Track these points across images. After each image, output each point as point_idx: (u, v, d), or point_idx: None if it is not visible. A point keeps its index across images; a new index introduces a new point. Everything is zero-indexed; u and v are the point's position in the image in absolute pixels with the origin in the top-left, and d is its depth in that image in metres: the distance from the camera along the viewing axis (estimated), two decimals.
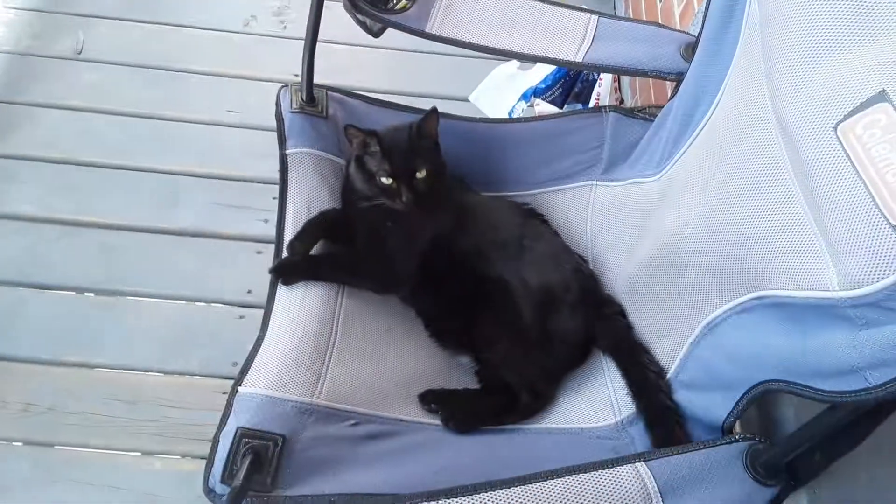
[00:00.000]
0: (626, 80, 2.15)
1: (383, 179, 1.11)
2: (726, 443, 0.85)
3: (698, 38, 1.04)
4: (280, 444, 0.89)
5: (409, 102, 1.35)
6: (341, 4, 1.14)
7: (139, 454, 1.50)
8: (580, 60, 1.16)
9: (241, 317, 1.69)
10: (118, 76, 2.10)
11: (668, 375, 1.01)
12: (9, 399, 1.52)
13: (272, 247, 1.14)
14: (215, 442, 0.90)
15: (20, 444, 1.48)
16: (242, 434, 0.88)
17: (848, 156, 0.62)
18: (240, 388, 0.94)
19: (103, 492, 1.44)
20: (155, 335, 1.65)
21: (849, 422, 0.69)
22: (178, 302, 1.71)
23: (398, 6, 1.16)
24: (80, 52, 2.14)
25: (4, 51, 2.12)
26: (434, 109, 1.14)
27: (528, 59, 1.19)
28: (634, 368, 1.05)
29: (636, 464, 0.82)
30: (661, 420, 0.99)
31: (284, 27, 2.30)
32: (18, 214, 1.79)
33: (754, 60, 0.84)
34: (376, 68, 2.23)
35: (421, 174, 1.11)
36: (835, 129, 0.64)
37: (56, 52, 2.13)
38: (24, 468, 1.45)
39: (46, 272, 1.71)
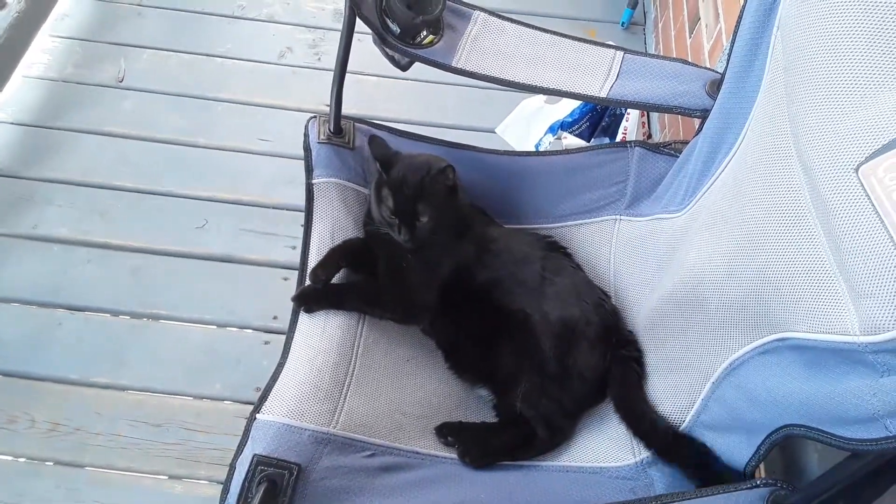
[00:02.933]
0: (654, 115, 2.15)
1: (387, 213, 1.13)
2: (747, 488, 0.83)
3: (723, 75, 1.04)
4: (295, 472, 0.89)
5: (437, 134, 1.37)
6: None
7: (162, 477, 1.51)
8: (604, 96, 1.16)
9: (266, 342, 1.71)
10: (155, 104, 2.16)
11: (690, 416, 0.99)
12: (37, 418, 1.55)
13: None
14: (231, 469, 0.91)
15: (46, 463, 1.50)
16: (258, 462, 0.89)
17: (869, 198, 0.61)
18: (258, 416, 0.95)
19: None
20: (181, 359, 1.67)
21: (872, 470, 0.67)
22: (205, 326, 1.73)
23: (425, 41, 1.18)
24: (121, 80, 2.20)
25: (49, 78, 2.19)
26: (448, 167, 1.13)
27: (553, 93, 1.19)
28: (641, 420, 1.04)
29: None
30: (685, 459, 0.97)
31: (319, 59, 2.35)
32: (53, 237, 1.84)
33: (777, 99, 0.84)
34: (405, 100, 2.25)
35: (423, 220, 1.12)
36: (856, 170, 0.64)
37: (98, 79, 2.20)
38: (48, 487, 1.47)
39: (79, 294, 1.75)
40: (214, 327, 1.73)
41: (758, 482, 0.83)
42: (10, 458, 1.51)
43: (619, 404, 1.09)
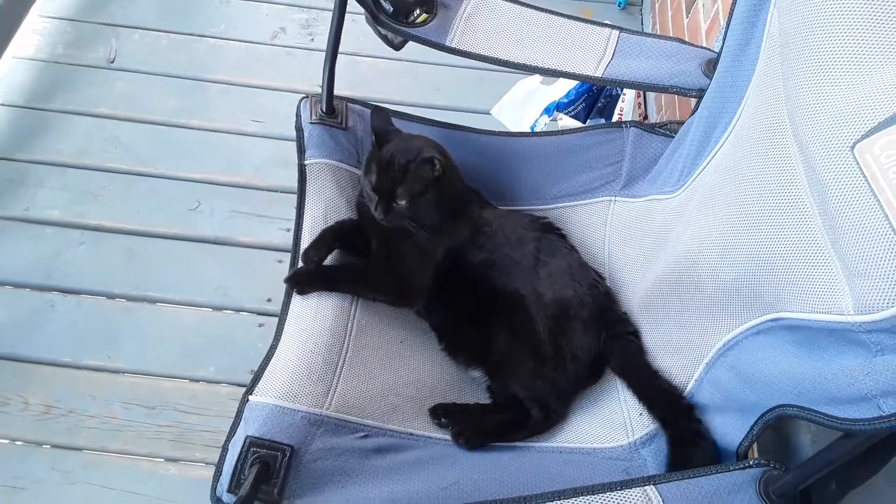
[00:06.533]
0: (651, 95, 2.13)
1: (368, 187, 1.12)
2: (740, 468, 0.83)
3: (719, 54, 1.03)
4: (288, 454, 0.89)
5: (431, 115, 1.35)
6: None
7: (156, 459, 1.51)
8: (600, 75, 1.15)
9: (260, 325, 1.70)
10: (147, 85, 2.14)
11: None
12: (31, 401, 1.55)
13: None
14: (224, 450, 0.91)
15: (39, 445, 1.50)
16: (251, 443, 0.89)
17: (864, 176, 0.61)
18: (250, 397, 0.95)
19: (120, 496, 1.45)
20: (175, 341, 1.66)
21: (864, 451, 0.67)
22: (198, 309, 1.72)
23: (419, 20, 1.17)
24: (112, 61, 2.18)
25: (39, 59, 2.16)
26: (435, 157, 1.11)
27: (548, 73, 1.18)
28: (648, 386, 1.03)
29: (646, 487, 0.80)
30: (684, 434, 0.96)
31: (312, 39, 2.33)
32: (46, 219, 1.83)
33: (773, 77, 0.83)
34: (400, 81, 2.24)
35: (400, 203, 1.10)
36: (851, 148, 0.63)
37: (88, 60, 2.18)
38: (42, 469, 1.46)
39: (72, 276, 1.74)
40: (208, 310, 1.72)
41: (750, 462, 0.83)
42: (3, 440, 1.50)
43: (623, 374, 1.09)
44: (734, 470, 0.82)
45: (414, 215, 1.11)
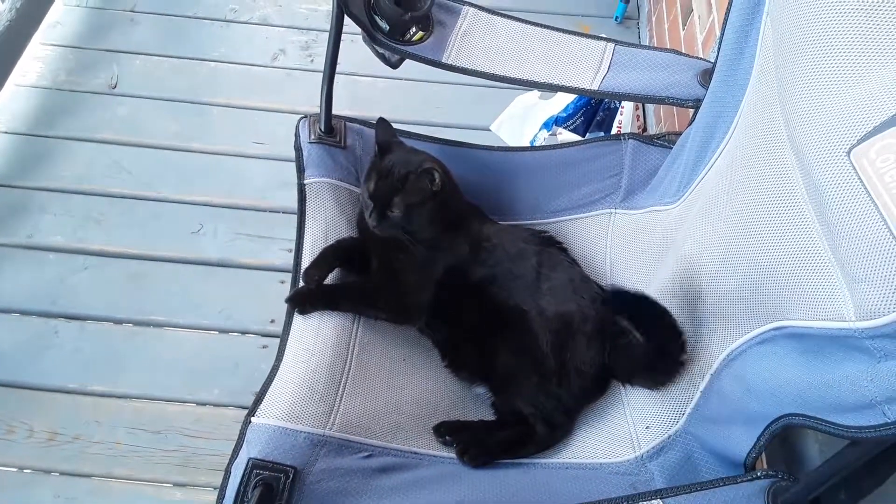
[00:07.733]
0: (650, 107, 2.14)
1: (366, 195, 1.12)
2: (748, 479, 0.82)
3: (714, 64, 1.03)
4: (291, 475, 0.89)
5: (431, 132, 1.35)
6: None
7: (162, 484, 1.50)
8: (596, 88, 1.15)
9: (263, 346, 1.70)
10: (149, 110, 2.15)
11: (689, 409, 0.98)
12: (36, 428, 1.55)
13: None
14: (227, 473, 0.90)
15: (46, 473, 1.50)
16: (254, 465, 0.88)
17: (861, 181, 0.61)
18: (252, 419, 0.94)
19: None
20: (179, 365, 1.66)
21: (872, 458, 0.66)
22: (202, 331, 1.72)
23: (415, 37, 1.17)
24: (114, 87, 2.20)
25: (41, 86, 2.18)
26: (433, 170, 1.11)
27: (545, 87, 1.18)
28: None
29: (653, 501, 0.80)
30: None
31: (312, 60, 2.34)
32: (49, 245, 1.84)
33: (768, 85, 0.83)
34: (399, 99, 2.24)
35: (395, 212, 1.10)
36: (848, 153, 0.63)
37: (90, 86, 2.19)
38: (48, 498, 1.46)
39: (76, 302, 1.74)
40: (212, 332, 1.72)
41: (759, 474, 0.82)
42: (8, 468, 1.50)
43: (628, 372, 1.08)
44: (742, 481, 0.81)
45: (408, 226, 1.11)
